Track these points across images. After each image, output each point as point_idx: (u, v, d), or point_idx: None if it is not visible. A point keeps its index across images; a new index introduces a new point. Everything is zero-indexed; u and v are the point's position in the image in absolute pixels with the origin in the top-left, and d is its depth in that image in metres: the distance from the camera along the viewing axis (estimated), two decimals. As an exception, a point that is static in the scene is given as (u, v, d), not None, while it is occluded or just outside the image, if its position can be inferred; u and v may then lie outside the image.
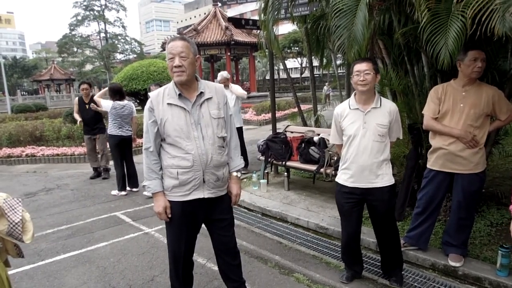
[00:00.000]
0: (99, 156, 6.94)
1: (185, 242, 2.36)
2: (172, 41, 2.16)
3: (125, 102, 5.72)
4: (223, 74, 6.30)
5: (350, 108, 2.77)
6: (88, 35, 52.66)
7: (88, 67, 58.39)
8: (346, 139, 2.77)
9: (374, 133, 2.66)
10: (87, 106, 6.64)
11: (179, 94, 2.19)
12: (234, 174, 2.43)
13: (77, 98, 7.00)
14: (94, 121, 6.69)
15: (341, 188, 2.83)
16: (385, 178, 2.71)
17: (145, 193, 5.51)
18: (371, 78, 2.61)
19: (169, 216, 2.26)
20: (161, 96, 2.21)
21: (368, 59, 2.70)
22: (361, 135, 2.68)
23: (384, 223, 2.83)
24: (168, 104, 2.18)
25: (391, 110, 2.70)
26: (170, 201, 2.27)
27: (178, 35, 2.30)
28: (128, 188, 5.87)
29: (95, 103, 6.37)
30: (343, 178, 2.81)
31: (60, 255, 3.69)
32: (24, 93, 58.38)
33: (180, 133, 2.16)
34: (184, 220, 2.30)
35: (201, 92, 2.23)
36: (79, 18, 50.33)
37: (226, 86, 6.10)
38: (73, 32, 50.40)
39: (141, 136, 9.02)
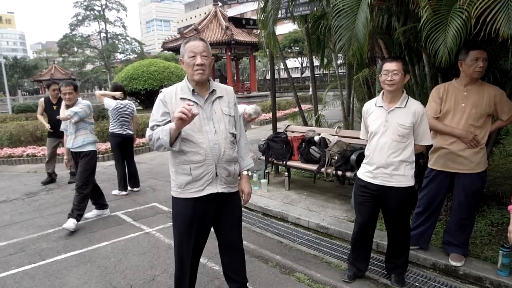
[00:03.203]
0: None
1: (194, 243, 2.34)
2: (193, 40, 2.20)
3: (126, 101, 5.72)
4: (258, 109, 5.21)
5: (376, 106, 2.80)
6: (88, 35, 52.68)
7: (89, 67, 58.42)
8: (369, 135, 2.83)
9: (394, 133, 2.65)
10: (54, 107, 6.33)
11: (193, 90, 2.22)
12: (245, 173, 2.45)
13: (42, 98, 6.64)
14: (60, 123, 6.39)
15: (358, 181, 2.89)
16: (401, 179, 2.67)
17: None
18: (399, 78, 2.60)
19: (191, 106, 2.00)
20: (174, 92, 2.24)
21: (398, 59, 2.68)
22: (381, 133, 2.70)
23: (396, 223, 2.82)
24: (181, 98, 2.21)
25: (416, 112, 2.64)
26: (183, 199, 2.25)
27: (197, 36, 2.32)
28: (129, 188, 5.86)
29: (59, 104, 5.97)
30: (361, 171, 2.87)
31: (61, 255, 3.69)
32: (25, 93, 58.47)
33: (192, 127, 2.16)
34: (195, 220, 2.29)
35: (213, 90, 2.28)
36: (80, 18, 50.35)
37: (250, 122, 5.39)
38: (74, 32, 50.41)
39: (141, 136, 8.98)
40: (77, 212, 4.34)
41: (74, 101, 4.42)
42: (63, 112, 4.39)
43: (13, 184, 6.71)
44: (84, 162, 4.41)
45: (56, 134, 6.44)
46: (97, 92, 6.07)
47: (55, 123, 6.35)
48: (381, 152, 2.69)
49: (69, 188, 6.31)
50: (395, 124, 2.65)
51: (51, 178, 6.82)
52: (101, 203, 4.80)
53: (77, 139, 4.41)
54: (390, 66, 2.62)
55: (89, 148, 4.44)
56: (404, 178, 2.68)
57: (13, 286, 3.13)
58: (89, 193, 4.48)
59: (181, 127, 2.04)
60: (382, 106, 2.74)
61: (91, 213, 4.74)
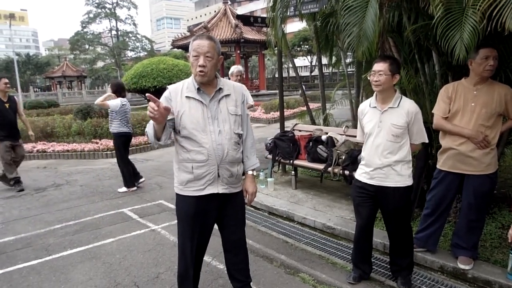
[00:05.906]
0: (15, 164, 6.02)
1: (197, 240, 2.33)
2: (199, 39, 2.14)
3: (124, 98, 5.72)
4: (238, 67, 5.51)
5: (370, 106, 2.79)
6: (99, 32, 53.32)
7: (99, 64, 59.04)
8: (365, 136, 2.83)
9: (388, 133, 2.64)
10: (6, 106, 5.69)
11: (198, 88, 2.19)
12: (250, 172, 2.42)
13: None
14: (16, 124, 5.88)
15: (355, 182, 2.89)
16: (398, 179, 2.66)
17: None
18: (384, 79, 2.58)
19: (163, 106, 1.96)
20: (180, 89, 2.22)
21: (386, 59, 2.65)
22: (375, 134, 2.70)
23: (395, 224, 2.80)
24: (186, 97, 2.19)
25: (409, 111, 2.62)
26: (184, 196, 2.26)
27: (205, 34, 2.27)
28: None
29: (14, 102, 5.75)
30: (359, 173, 2.87)
31: (67, 251, 3.72)
32: (37, 89, 59.14)
33: (196, 126, 2.15)
34: (197, 218, 2.28)
35: (220, 88, 2.24)
36: (91, 15, 50.95)
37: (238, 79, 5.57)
38: (85, 30, 51.07)
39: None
40: None
41: None
42: None
43: (23, 180, 6.78)
44: None
45: (12, 136, 5.87)
46: (97, 102, 5.50)
47: (9, 124, 5.75)
48: (376, 152, 2.68)
49: (77, 184, 6.37)
50: (388, 125, 2.64)
51: (17, 181, 6.14)
52: None
53: None
54: (376, 66, 2.62)
55: None
56: (400, 178, 2.66)
57: (19, 281, 3.16)
58: None
59: (158, 123, 2.00)
60: (375, 107, 2.73)
61: None
